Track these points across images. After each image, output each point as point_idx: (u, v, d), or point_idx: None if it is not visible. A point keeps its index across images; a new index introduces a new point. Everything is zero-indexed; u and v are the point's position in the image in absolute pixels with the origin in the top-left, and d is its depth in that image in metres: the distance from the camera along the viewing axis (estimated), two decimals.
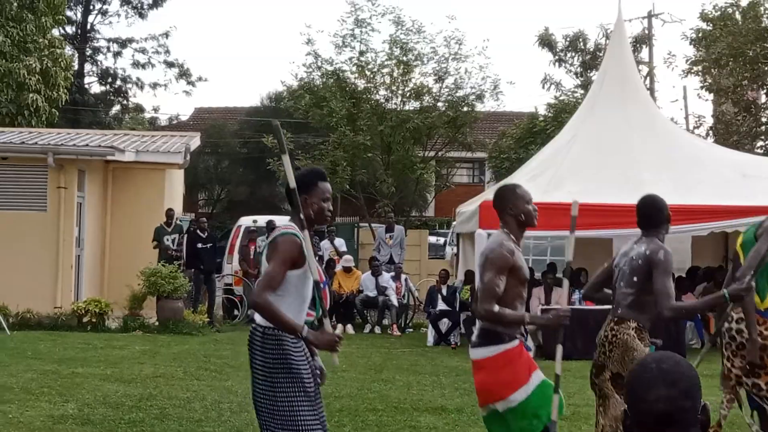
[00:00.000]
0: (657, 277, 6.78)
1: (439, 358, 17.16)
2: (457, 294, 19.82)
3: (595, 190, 17.11)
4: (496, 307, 6.41)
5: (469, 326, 18.40)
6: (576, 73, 38.96)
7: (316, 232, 25.23)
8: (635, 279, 6.96)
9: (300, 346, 6.11)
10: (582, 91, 33.96)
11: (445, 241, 36.07)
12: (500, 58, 75.95)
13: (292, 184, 6.09)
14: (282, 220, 25.82)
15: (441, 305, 19.82)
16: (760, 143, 32.02)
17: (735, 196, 17.35)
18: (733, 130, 31.21)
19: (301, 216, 6.14)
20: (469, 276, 19.38)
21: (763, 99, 32.14)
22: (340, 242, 24.91)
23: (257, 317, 6.15)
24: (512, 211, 6.77)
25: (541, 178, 18.23)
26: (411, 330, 21.90)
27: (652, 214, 7.18)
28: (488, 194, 20.35)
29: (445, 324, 19.49)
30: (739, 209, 17.26)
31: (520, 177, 19.08)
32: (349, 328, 21.09)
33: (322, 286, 6.14)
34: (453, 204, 23.61)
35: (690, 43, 32.93)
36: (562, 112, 31.02)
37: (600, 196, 16.89)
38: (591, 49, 38.47)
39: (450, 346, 18.84)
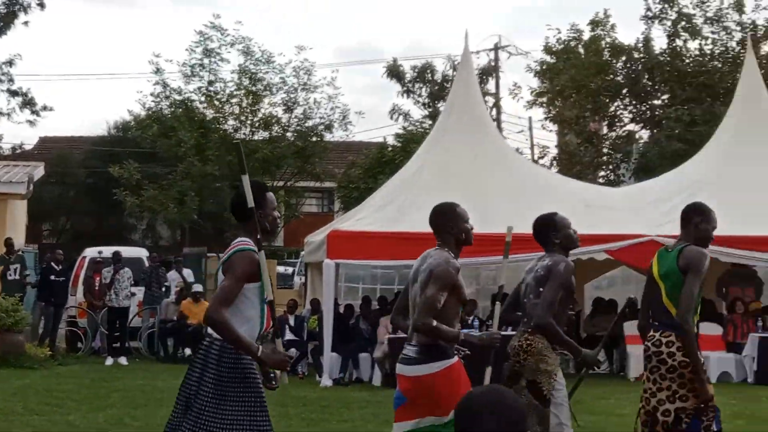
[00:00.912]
0: (548, 287, 7.17)
1: (286, 388, 16.90)
2: (305, 323, 19.75)
3: None
4: (434, 322, 6.46)
5: (317, 356, 18.34)
6: (424, 104, 39.42)
7: (163, 262, 24.93)
8: (540, 290, 7.22)
9: (249, 365, 6.10)
10: (430, 122, 34.33)
11: (294, 270, 36.00)
12: (349, 89, 76.37)
13: (251, 203, 6.13)
14: (129, 251, 25.54)
15: (288, 335, 19.69)
16: (602, 173, 32.77)
17: (578, 225, 17.62)
18: (576, 161, 31.90)
19: (259, 232, 6.12)
20: (315, 305, 19.34)
21: (605, 130, 32.95)
22: (188, 272, 24.61)
23: (214, 331, 6.07)
24: (453, 230, 6.87)
25: (389, 207, 18.35)
26: None
27: (541, 231, 7.59)
28: (337, 224, 20.36)
29: (292, 354, 19.36)
30: (583, 238, 17.59)
31: (368, 206, 19.18)
32: None
33: (267, 301, 6.14)
34: (302, 234, 23.54)
35: (535, 75, 33.63)
36: (410, 142, 31.27)
37: None
38: (439, 80, 38.96)
39: (297, 376, 18.73)
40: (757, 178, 18.68)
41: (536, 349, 7.16)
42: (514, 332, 7.64)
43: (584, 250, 18.30)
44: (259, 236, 6.17)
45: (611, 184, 30.11)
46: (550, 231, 7.56)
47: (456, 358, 6.65)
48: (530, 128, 43.80)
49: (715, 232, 17.26)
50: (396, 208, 18.24)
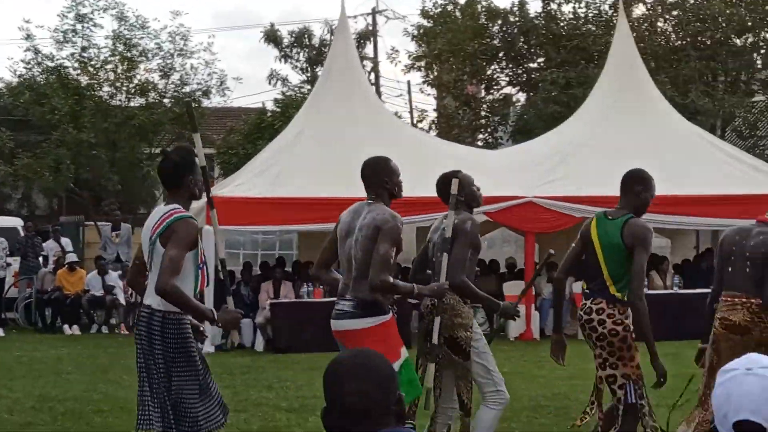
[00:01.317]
0: (456, 246, 7.11)
1: None
2: None
3: (320, 184, 17.28)
4: (391, 278, 6.65)
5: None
6: (302, 69, 39.24)
7: (39, 232, 24.46)
8: (450, 248, 7.20)
9: (190, 329, 6.19)
10: (309, 87, 34.19)
11: None
12: (227, 54, 75.57)
13: (203, 162, 6.28)
14: (4, 220, 24.94)
15: None
16: (480, 136, 33.04)
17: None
18: (454, 124, 32.10)
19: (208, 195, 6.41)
20: None
21: (483, 93, 33.22)
22: (66, 241, 24.20)
23: (152, 301, 6.15)
24: (388, 184, 6.98)
25: (268, 173, 18.27)
26: None
27: (444, 189, 7.47)
28: (216, 190, 20.21)
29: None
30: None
31: (248, 172, 19.07)
32: (75, 329, 20.54)
33: (201, 266, 6.23)
34: None
35: (412, 39, 33.72)
36: (289, 108, 31.12)
37: (326, 190, 17.06)
38: (316, 45, 38.81)
39: None
40: (630, 139, 19.03)
41: (449, 305, 7.18)
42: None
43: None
44: (210, 195, 6.43)
45: (489, 146, 30.36)
46: (455, 187, 7.41)
47: (390, 315, 6.82)
48: (409, 92, 43.99)
49: (593, 193, 17.60)
50: (276, 173, 18.17)
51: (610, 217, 7.35)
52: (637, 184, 7.47)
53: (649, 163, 18.52)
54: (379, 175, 7.01)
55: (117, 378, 13.97)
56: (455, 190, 7.41)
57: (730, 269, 7.77)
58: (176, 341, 6.13)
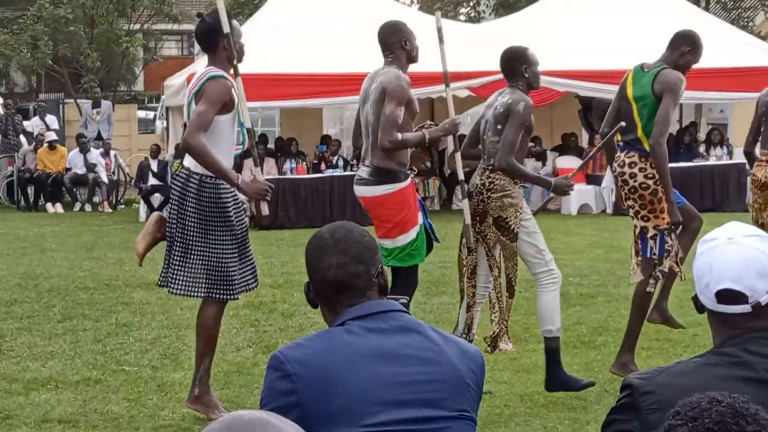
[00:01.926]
0: (508, 127, 6.91)
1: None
2: (169, 168, 19.51)
3: (301, 60, 17.15)
4: (399, 135, 6.63)
5: None
6: None
7: (19, 109, 24.29)
8: (498, 127, 7.01)
9: (232, 191, 6.26)
10: None
11: (155, 115, 35.44)
12: None
13: (226, 29, 6.24)
14: None
15: (152, 180, 19.52)
16: (463, 10, 32.75)
17: (438, 63, 17.73)
18: None
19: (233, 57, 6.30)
20: (178, 149, 19.10)
21: None
22: (51, 119, 24.09)
23: (191, 164, 6.20)
24: (406, 45, 6.93)
25: (248, 49, 17.97)
26: (123, 206, 21.52)
27: (508, 65, 7.17)
28: (196, 66, 20.04)
29: (157, 199, 19.22)
30: (443, 75, 17.67)
31: None
32: (58, 207, 20.53)
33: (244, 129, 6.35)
34: (163, 77, 23.09)
35: None
36: None
37: (306, 66, 16.96)
38: None
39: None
40: (613, 12, 18.91)
41: (499, 185, 6.98)
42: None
43: (441, 87, 18.40)
44: (235, 62, 6.32)
45: (472, 20, 30.12)
46: (521, 65, 7.13)
47: (408, 181, 6.86)
48: None
49: (577, 67, 17.55)
50: (256, 49, 17.93)
51: (645, 69, 7.34)
52: (685, 43, 7.49)
53: (632, 37, 18.50)
54: (397, 36, 6.97)
55: (101, 255, 14.00)
56: (439, 24, 7.47)
57: (763, 129, 8.18)
58: (212, 203, 6.24)
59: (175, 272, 6.48)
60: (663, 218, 7.19)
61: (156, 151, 20.32)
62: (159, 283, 6.80)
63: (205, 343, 6.57)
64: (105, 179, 20.92)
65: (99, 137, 22.68)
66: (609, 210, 18.43)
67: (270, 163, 18.55)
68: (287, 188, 17.34)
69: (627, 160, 7.23)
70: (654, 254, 7.20)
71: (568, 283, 11.02)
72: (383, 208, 6.84)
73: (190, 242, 6.33)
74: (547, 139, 20.65)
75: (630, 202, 7.28)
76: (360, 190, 6.97)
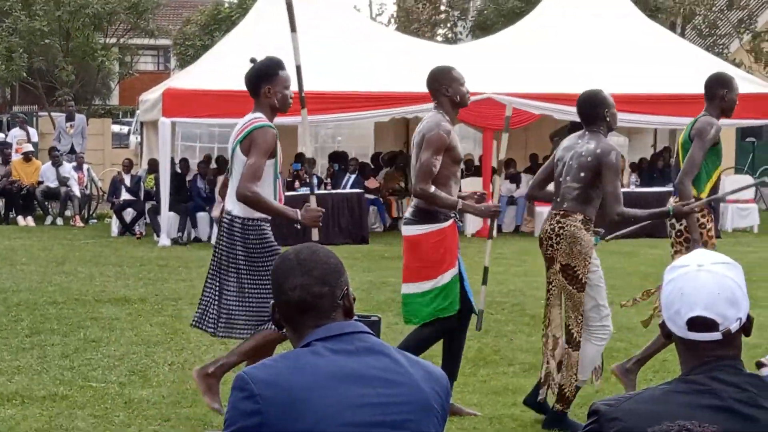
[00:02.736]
0: (609, 180, 6.79)
1: (123, 248, 16.87)
2: (142, 183, 19.48)
3: None
4: (432, 188, 6.78)
5: (154, 215, 18.13)
6: None
7: None
8: (582, 174, 6.87)
9: (270, 232, 6.49)
10: None
11: (130, 129, 35.37)
12: None
13: (299, 62, 6.56)
14: None
15: (125, 195, 19.44)
16: (440, 31, 32.81)
17: (415, 84, 17.75)
18: (413, 18, 31.85)
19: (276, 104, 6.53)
20: (152, 164, 19.05)
21: None
22: (33, 131, 23.98)
23: (233, 208, 6.44)
24: (448, 92, 7.05)
25: (225, 65, 18.03)
26: (95, 221, 21.39)
27: (589, 111, 7.04)
28: (172, 82, 20.00)
29: (129, 214, 19.14)
30: (419, 95, 17.72)
31: (205, 63, 18.86)
32: (30, 220, 20.39)
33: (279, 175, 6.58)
34: (139, 92, 23.03)
35: None
36: None
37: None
38: None
39: (135, 236, 18.54)
40: (589, 36, 18.99)
41: (569, 231, 6.85)
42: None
43: (422, 107, 18.42)
44: (302, 94, 6.64)
45: (449, 41, 30.17)
46: (602, 108, 7.02)
47: (449, 222, 6.98)
48: None
49: (552, 90, 17.72)
50: (233, 65, 17.95)
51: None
52: (720, 87, 7.59)
53: (607, 60, 18.60)
54: (441, 84, 7.08)
55: (71, 270, 13.90)
56: (509, 113, 7.56)
57: None
58: (258, 244, 6.42)
59: (230, 315, 6.58)
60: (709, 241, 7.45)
61: (128, 166, 20.23)
62: (197, 325, 6.86)
63: (252, 348, 6.52)
64: (77, 193, 20.80)
65: (72, 151, 22.58)
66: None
67: None
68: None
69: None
70: None
71: (540, 306, 11.00)
72: (421, 246, 6.98)
73: (244, 285, 6.50)
74: (522, 162, 20.69)
75: (678, 247, 7.50)
76: (404, 230, 7.18)
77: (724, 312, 2.72)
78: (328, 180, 19.59)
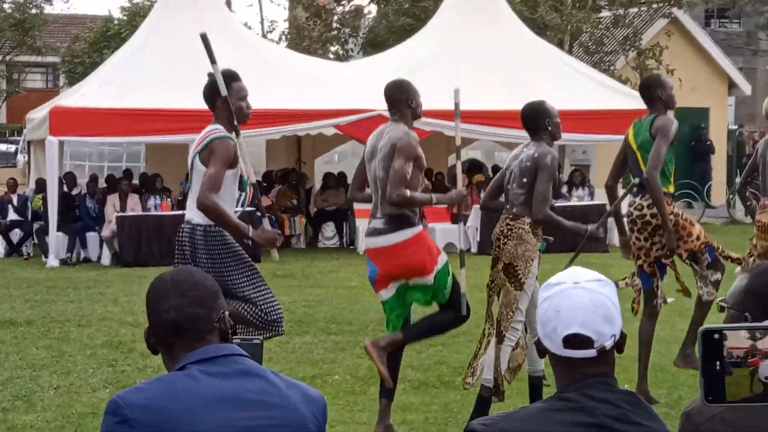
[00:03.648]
0: (540, 180, 7.20)
1: (10, 269, 16.55)
2: (29, 203, 19.13)
3: (167, 95, 16.99)
4: (408, 192, 6.90)
5: (42, 236, 17.81)
6: None
7: None
8: (525, 180, 7.25)
9: (230, 237, 6.59)
10: None
11: (17, 148, 34.78)
12: None
13: (224, 92, 6.55)
14: None
15: (12, 215, 19.07)
16: (331, 48, 32.82)
17: (307, 100, 17.76)
18: (305, 35, 31.81)
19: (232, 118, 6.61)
20: (40, 184, 18.73)
21: (334, 5, 32.95)
22: None
23: (194, 216, 6.52)
24: (412, 104, 7.27)
25: (114, 83, 17.88)
26: None
27: (531, 121, 7.44)
28: (60, 100, 19.69)
29: (16, 234, 18.79)
30: (310, 113, 17.72)
31: (93, 81, 18.64)
32: None
33: (248, 182, 6.79)
34: (27, 110, 22.63)
35: None
36: (136, 16, 30.41)
37: (173, 101, 16.79)
38: None
39: (22, 257, 18.20)
40: (479, 53, 19.17)
41: (516, 233, 7.21)
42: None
43: (313, 124, 18.43)
44: (236, 122, 6.60)
45: (340, 59, 30.19)
46: (543, 118, 7.43)
47: (421, 227, 7.16)
48: (260, 2, 43.47)
49: (442, 106, 17.85)
50: (122, 83, 17.79)
51: (642, 120, 8.04)
52: (654, 89, 8.04)
53: (497, 77, 18.79)
54: (404, 95, 7.25)
55: None
56: (457, 99, 7.72)
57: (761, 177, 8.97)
58: (221, 249, 6.53)
59: None
60: (692, 240, 7.89)
61: (14, 186, 19.82)
62: None
63: None
64: None
65: None
66: (474, 249, 18.56)
67: (134, 199, 18.29)
68: (151, 225, 17.14)
69: (645, 203, 7.84)
70: (713, 257, 7.95)
71: None
72: (408, 252, 7.03)
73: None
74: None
75: (656, 239, 7.86)
76: (376, 242, 7.15)
77: (600, 329, 2.76)
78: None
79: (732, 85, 29.80)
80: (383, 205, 7.09)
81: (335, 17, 32.54)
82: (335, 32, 32.23)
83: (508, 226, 7.25)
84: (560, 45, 25.86)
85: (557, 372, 2.85)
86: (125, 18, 32.49)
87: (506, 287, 7.21)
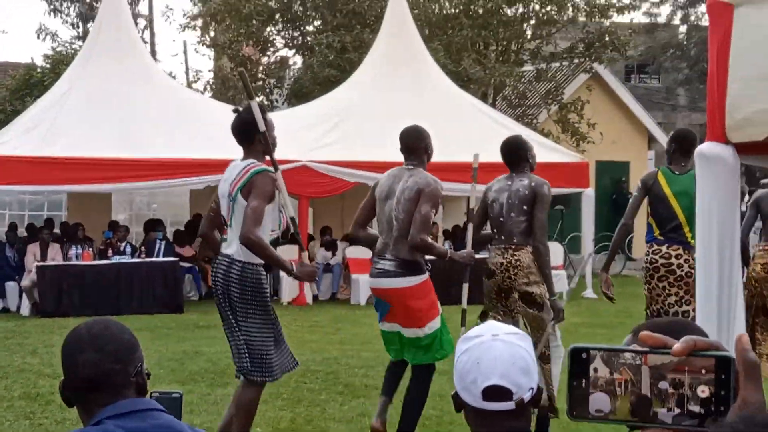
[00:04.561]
0: (539, 209, 7.61)
1: None
2: None
3: (90, 144, 16.88)
4: (429, 238, 7.22)
5: None
6: (73, 24, 38.17)
7: None
8: (525, 208, 7.62)
9: (266, 280, 6.78)
10: (80, 43, 33.25)
11: None
12: None
13: (262, 127, 6.71)
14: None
15: None
16: (258, 99, 32.83)
17: (231, 150, 17.70)
18: (230, 86, 31.83)
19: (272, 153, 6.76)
20: None
21: (259, 55, 33.03)
22: None
23: (233, 251, 6.66)
24: (429, 150, 7.56)
25: (36, 131, 17.72)
26: None
27: (512, 155, 7.78)
28: None
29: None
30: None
31: (15, 129, 18.45)
32: None
33: (281, 212, 6.82)
34: None
35: None
36: (59, 64, 30.20)
37: (96, 150, 16.69)
38: (88, 0, 37.78)
39: None
40: (403, 105, 19.28)
41: (524, 263, 7.58)
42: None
43: None
44: (273, 157, 6.76)
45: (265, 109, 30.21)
46: (523, 151, 7.82)
47: (427, 274, 7.36)
48: (185, 52, 43.38)
49: (367, 157, 18.01)
50: (44, 131, 17.62)
51: (677, 172, 8.27)
52: (694, 144, 8.03)
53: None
54: (422, 142, 7.52)
55: None
56: (476, 164, 7.96)
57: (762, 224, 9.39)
58: (254, 289, 6.66)
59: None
60: None
61: None
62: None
63: (245, 422, 6.85)
64: None
65: None
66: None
67: (55, 248, 18.09)
68: (72, 275, 16.94)
69: (673, 253, 8.18)
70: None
71: (354, 374, 11.05)
72: (413, 298, 7.26)
73: (233, 325, 6.73)
74: (338, 229, 20.78)
75: (675, 290, 8.15)
76: (383, 283, 7.36)
77: (519, 381, 2.79)
78: (143, 248, 19.26)
79: (652, 140, 30.34)
80: (396, 246, 7.30)
81: (260, 68, 32.63)
82: (260, 83, 32.29)
83: (515, 257, 7.63)
84: (484, 98, 26.14)
85: (475, 427, 2.86)
86: (48, 66, 32.25)
87: (530, 314, 7.59)
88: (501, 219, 7.74)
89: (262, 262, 6.70)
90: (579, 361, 1.57)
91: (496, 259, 7.72)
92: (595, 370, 1.56)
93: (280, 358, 6.86)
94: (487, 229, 8.04)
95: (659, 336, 1.53)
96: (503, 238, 7.72)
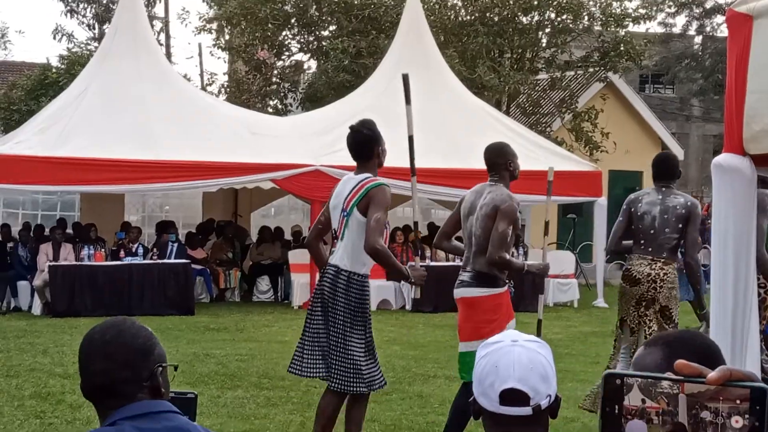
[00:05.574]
0: (694, 228, 7.95)
1: None
2: None
3: (104, 145, 16.92)
4: (507, 255, 7.27)
5: None
6: (89, 25, 38.24)
7: None
8: (680, 226, 7.93)
9: (369, 292, 7.08)
10: (96, 44, 33.33)
11: None
12: (8, 6, 73.07)
13: (411, 132, 7.28)
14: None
15: None
16: (270, 102, 32.87)
17: (245, 153, 17.75)
18: (244, 89, 31.85)
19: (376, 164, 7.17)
20: None
21: (274, 59, 33.06)
22: None
23: (339, 260, 6.93)
24: (511, 166, 7.54)
25: (50, 131, 17.75)
26: None
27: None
28: None
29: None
30: (248, 166, 17.69)
31: (30, 129, 18.50)
32: None
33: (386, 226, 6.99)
34: None
35: (203, 1, 33.21)
36: (75, 65, 30.28)
37: (109, 151, 16.73)
38: (104, 2, 37.86)
39: None
40: (417, 111, 19.24)
41: (670, 277, 7.87)
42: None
43: (251, 178, 18.42)
44: (413, 162, 7.47)
45: (279, 113, 30.23)
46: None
47: (505, 288, 7.44)
48: (200, 54, 43.37)
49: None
50: (58, 131, 17.66)
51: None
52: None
53: (435, 135, 18.89)
54: (505, 159, 7.53)
55: None
56: (551, 177, 8.36)
57: None
58: (358, 300, 6.91)
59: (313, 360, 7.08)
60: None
61: None
62: (294, 371, 7.27)
63: (323, 429, 7.03)
64: None
65: None
66: (408, 306, 18.57)
67: (67, 248, 18.12)
68: (84, 275, 16.98)
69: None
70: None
71: None
72: (479, 308, 7.31)
73: (332, 335, 6.92)
74: None
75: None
76: (459, 292, 7.44)
77: (536, 386, 2.80)
78: (155, 249, 19.28)
79: (665, 150, 30.27)
80: (475, 260, 7.39)
81: (275, 71, 32.64)
82: (275, 86, 32.32)
83: (663, 270, 7.90)
84: (498, 105, 26.12)
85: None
86: (63, 66, 32.34)
87: (664, 328, 7.68)
88: (652, 231, 8.00)
89: (368, 273, 6.99)
90: (613, 387, 1.56)
91: (642, 269, 7.96)
92: (631, 397, 1.55)
93: (374, 370, 7.05)
94: (625, 238, 8.29)
95: (695, 366, 1.53)
96: (651, 249, 7.99)
